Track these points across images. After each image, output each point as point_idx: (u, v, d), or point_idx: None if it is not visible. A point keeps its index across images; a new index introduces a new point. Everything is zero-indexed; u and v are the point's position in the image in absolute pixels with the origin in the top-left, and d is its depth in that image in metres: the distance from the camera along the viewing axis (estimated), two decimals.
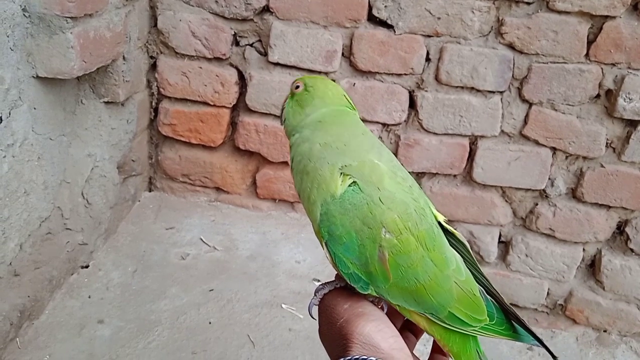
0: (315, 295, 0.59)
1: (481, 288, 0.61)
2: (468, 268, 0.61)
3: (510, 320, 0.62)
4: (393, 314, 0.60)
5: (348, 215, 0.53)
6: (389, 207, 0.53)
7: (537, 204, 1.65)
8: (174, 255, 1.51)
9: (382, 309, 0.59)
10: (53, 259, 1.30)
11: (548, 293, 1.72)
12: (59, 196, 1.34)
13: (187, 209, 1.72)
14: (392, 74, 1.57)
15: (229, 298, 1.37)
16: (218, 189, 1.76)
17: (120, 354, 1.18)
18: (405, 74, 1.57)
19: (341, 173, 0.54)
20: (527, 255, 1.68)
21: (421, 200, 0.58)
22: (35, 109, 1.21)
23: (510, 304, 1.74)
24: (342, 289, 0.59)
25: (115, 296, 1.34)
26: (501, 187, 1.65)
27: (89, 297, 1.32)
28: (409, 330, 0.63)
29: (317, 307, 0.59)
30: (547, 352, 0.61)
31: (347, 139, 0.57)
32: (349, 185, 0.54)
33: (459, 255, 0.60)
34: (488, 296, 0.62)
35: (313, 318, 0.59)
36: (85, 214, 1.42)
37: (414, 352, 0.61)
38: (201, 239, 1.58)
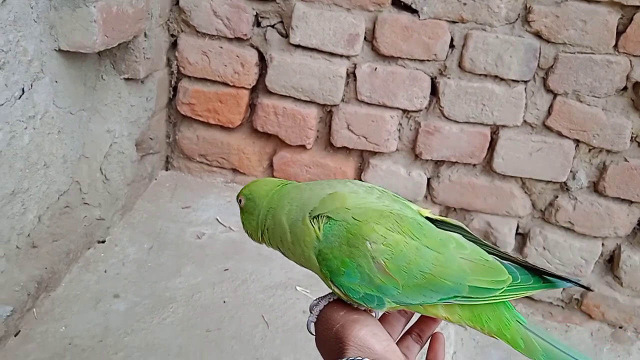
0: (311, 312, 0.61)
1: (494, 256, 0.61)
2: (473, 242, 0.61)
3: (536, 275, 0.61)
4: (391, 324, 0.63)
5: (334, 246, 0.55)
6: (364, 220, 0.55)
7: (557, 197, 1.62)
8: (189, 234, 1.51)
9: (375, 315, 0.61)
10: (70, 232, 1.31)
11: (564, 287, 1.70)
12: (77, 170, 1.34)
13: (204, 189, 1.72)
14: (414, 59, 1.55)
15: (244, 278, 1.36)
16: (235, 170, 1.76)
17: (135, 328, 1.19)
18: (428, 60, 1.55)
19: (312, 217, 0.57)
20: (544, 248, 1.66)
21: (396, 204, 0.59)
22: (56, 82, 1.21)
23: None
24: (336, 300, 0.62)
25: (131, 272, 1.35)
26: (521, 178, 1.63)
27: (105, 271, 1.33)
28: (412, 339, 0.64)
29: (314, 323, 0.61)
30: None
31: (300, 194, 0.60)
32: (325, 224, 0.56)
33: (457, 234, 0.60)
34: (505, 261, 0.61)
35: (312, 334, 0.61)
36: (103, 189, 1.43)
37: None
38: (217, 219, 1.58)
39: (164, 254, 1.42)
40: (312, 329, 0.61)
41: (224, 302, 1.28)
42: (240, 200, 0.65)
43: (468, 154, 1.61)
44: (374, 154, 1.66)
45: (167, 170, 1.79)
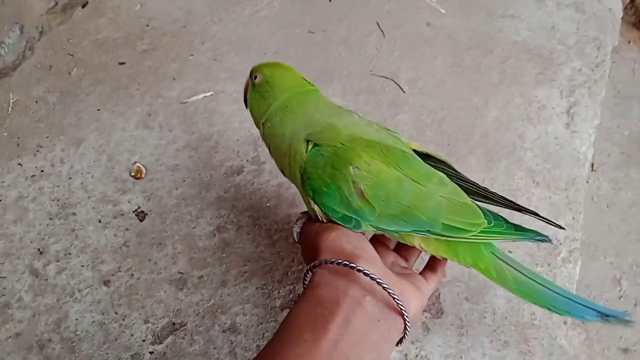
0: (296, 223, 0.63)
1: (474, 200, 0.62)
2: (458, 183, 0.61)
3: (512, 223, 0.61)
4: (382, 241, 0.65)
5: (320, 166, 0.56)
6: (351, 147, 0.56)
7: None
8: None
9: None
10: None
11: None
12: None
13: None
14: None
15: None
16: None
17: (224, 17, 0.97)
18: None
19: (307, 140, 0.58)
20: None
21: (390, 139, 0.60)
22: None
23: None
24: None
25: None
26: None
27: None
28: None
29: (297, 233, 0.63)
30: None
31: (311, 112, 0.60)
32: (313, 146, 0.58)
33: (440, 172, 0.60)
34: (480, 198, 0.63)
35: (298, 243, 0.64)
36: None
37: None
38: None
39: None
40: (297, 237, 0.63)
41: (330, 0, 1.02)
42: (255, 77, 0.63)
43: None
44: None
45: None
